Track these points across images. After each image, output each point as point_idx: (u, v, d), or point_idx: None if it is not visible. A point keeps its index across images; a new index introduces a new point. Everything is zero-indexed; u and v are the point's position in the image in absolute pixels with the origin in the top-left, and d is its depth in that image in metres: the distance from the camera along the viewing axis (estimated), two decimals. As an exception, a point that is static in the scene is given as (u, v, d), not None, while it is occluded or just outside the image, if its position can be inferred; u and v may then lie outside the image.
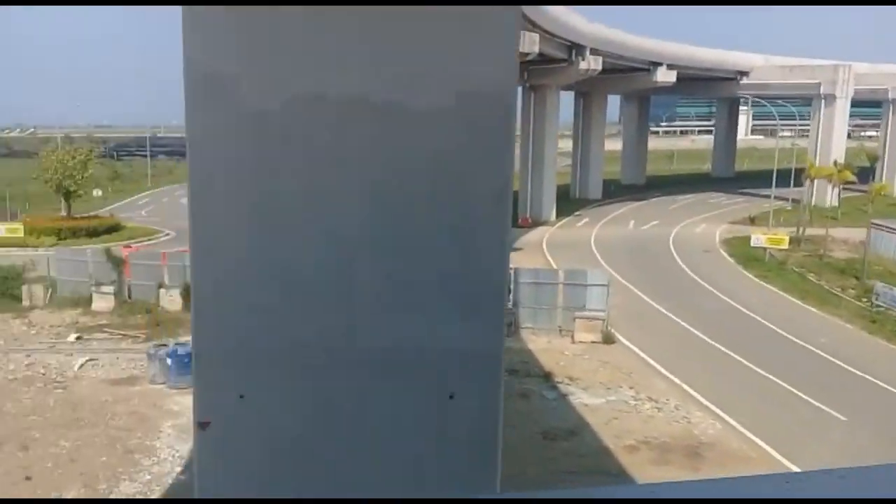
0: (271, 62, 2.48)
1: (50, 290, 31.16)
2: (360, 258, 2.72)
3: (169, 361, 21.25)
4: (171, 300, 29.30)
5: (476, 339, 2.62)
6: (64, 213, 54.53)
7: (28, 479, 15.98)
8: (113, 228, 48.42)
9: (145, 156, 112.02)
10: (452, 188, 2.57)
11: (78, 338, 26.31)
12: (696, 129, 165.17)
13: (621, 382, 21.90)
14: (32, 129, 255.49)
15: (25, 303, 30.82)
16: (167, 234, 49.62)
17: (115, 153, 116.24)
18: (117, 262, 30.30)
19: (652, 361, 23.91)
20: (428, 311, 2.72)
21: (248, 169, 3.22)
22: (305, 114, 2.74)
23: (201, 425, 4.18)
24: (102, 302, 30.01)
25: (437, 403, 2.83)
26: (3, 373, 22.75)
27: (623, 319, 27.14)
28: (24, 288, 31.32)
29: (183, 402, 20.37)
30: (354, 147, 2.59)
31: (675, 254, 41.91)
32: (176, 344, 22.12)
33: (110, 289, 30.11)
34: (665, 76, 59.74)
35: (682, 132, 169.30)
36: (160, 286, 29.75)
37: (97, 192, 58.64)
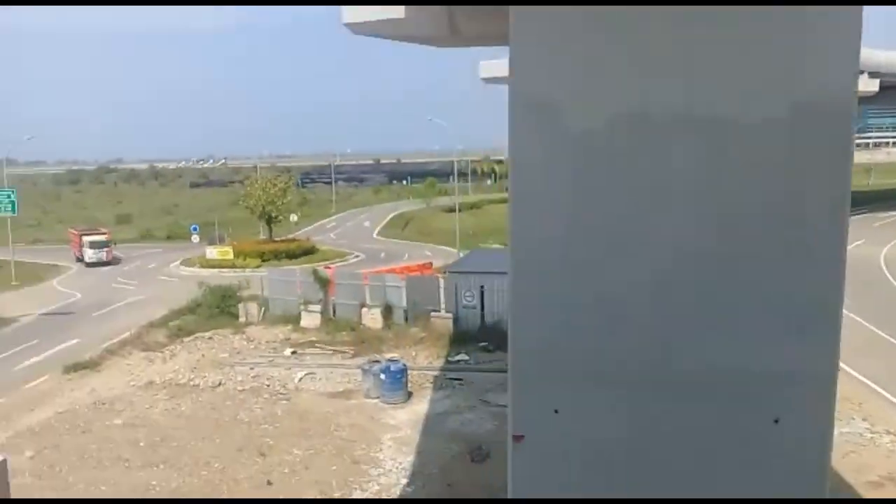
0: (593, 84, 2.40)
1: (263, 308, 33.50)
2: (680, 277, 2.55)
3: (382, 377, 22.10)
4: (373, 318, 30.57)
5: (805, 362, 2.39)
6: (263, 236, 58.75)
7: (269, 483, 17.07)
8: (309, 251, 51.51)
9: (326, 182, 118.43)
10: (785, 204, 2.35)
11: (293, 352, 28.04)
12: (891, 140, 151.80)
13: (853, 414, 20.24)
14: (223, 161, 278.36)
15: (242, 319, 33.31)
16: (357, 256, 52.14)
17: (300, 181, 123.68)
18: (323, 282, 32.05)
19: (883, 392, 21.98)
20: (752, 331, 2.50)
21: (569, 189, 3.16)
22: (628, 133, 2.62)
23: (516, 438, 4.14)
24: (310, 319, 31.85)
25: (759, 428, 2.57)
26: (232, 384, 24.60)
27: (844, 346, 25.15)
28: (241, 306, 33.87)
29: (398, 417, 21.13)
30: (678, 164, 2.43)
31: (888, 275, 38.56)
32: (388, 360, 22.99)
33: (317, 307, 31.90)
34: (867, 85, 55.33)
35: (874, 144, 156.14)
36: (362, 305, 31.13)
37: (293, 218, 62.67)
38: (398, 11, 23.71)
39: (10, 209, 39.48)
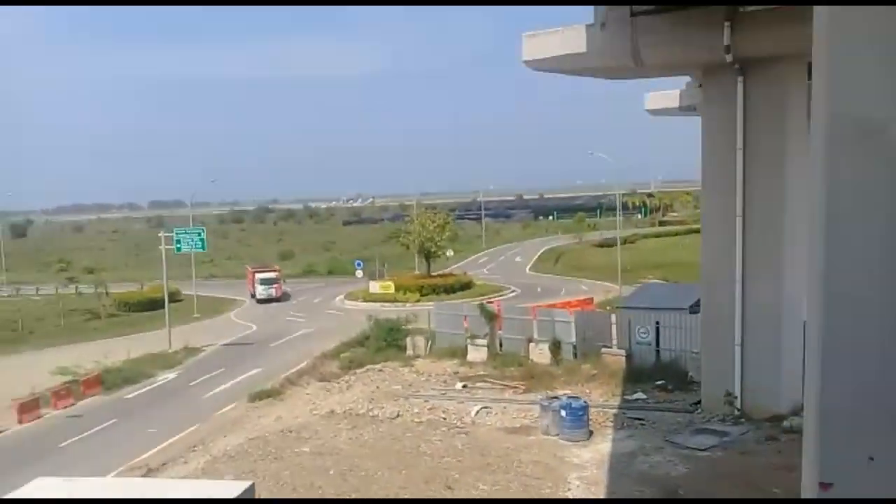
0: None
1: (430, 342, 34.00)
2: None
3: (562, 414, 21.65)
4: (541, 354, 30.22)
5: None
6: (418, 270, 60.08)
7: (461, 517, 16.98)
8: (466, 286, 52.08)
9: (473, 218, 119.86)
10: None
11: (464, 386, 28.15)
12: None
13: None
14: (371, 199, 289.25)
15: (409, 352, 33.93)
16: (513, 291, 52.20)
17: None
18: (490, 317, 32.12)
19: None
20: None
21: (889, 215, 2.62)
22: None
23: (823, 486, 3.57)
24: (477, 353, 31.93)
25: None
26: (409, 415, 24.93)
27: None
28: (408, 339, 34.55)
29: (582, 455, 20.57)
30: None
31: None
32: (568, 397, 22.54)
33: (484, 341, 31.97)
34: None
35: None
36: (529, 340, 30.89)
37: (450, 253, 63.81)
38: (579, 45, 23.53)
39: (199, 246, 42.54)
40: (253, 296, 58.10)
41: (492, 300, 40.58)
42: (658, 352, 28.00)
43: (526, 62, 21.64)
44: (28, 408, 27.94)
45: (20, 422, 27.35)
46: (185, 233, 44.11)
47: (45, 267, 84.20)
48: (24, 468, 22.29)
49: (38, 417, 28.03)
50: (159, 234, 42.96)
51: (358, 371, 31.90)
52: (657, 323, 27.92)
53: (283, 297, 57.61)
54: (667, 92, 35.11)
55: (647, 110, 36.53)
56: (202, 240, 42.91)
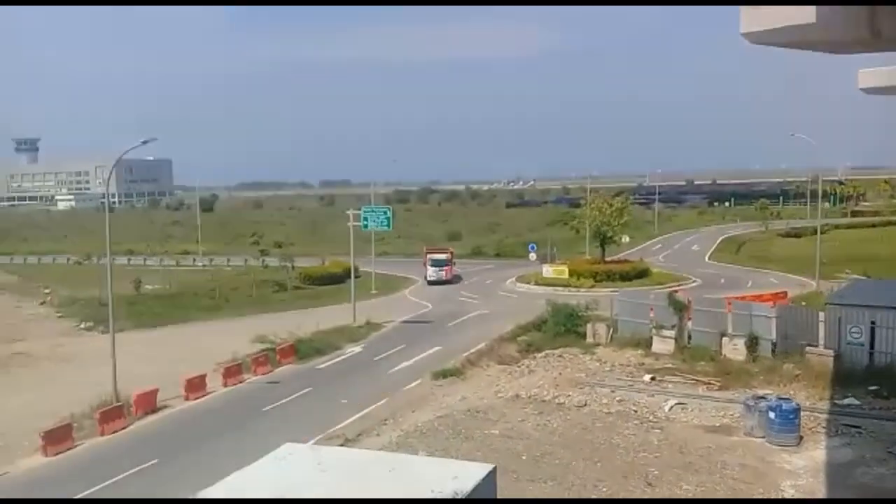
0: None
1: (611, 330, 33.07)
2: None
3: (771, 416, 20.24)
4: (735, 349, 28.51)
5: None
6: (589, 255, 58.81)
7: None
8: (643, 273, 50.33)
9: (641, 203, 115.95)
10: None
11: (652, 378, 27.10)
12: None
13: None
14: (532, 182, 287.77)
15: (589, 340, 33.16)
16: (694, 281, 49.83)
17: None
18: (679, 307, 30.71)
19: None
20: None
21: None
22: None
23: None
24: (662, 345, 30.66)
25: None
26: (597, 405, 24.32)
27: None
28: (588, 326, 33.78)
29: (793, 462, 19.15)
30: None
31: None
32: (778, 398, 21.05)
33: (671, 332, 30.63)
34: None
35: None
36: (723, 334, 29.24)
37: (626, 239, 62.00)
38: (808, 15, 21.66)
39: (385, 224, 43.79)
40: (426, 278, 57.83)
41: (676, 289, 38.83)
42: (872, 354, 25.63)
43: (744, 34, 20.29)
44: (232, 372, 29.94)
45: (224, 385, 29.35)
46: (372, 211, 45.54)
47: (231, 240, 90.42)
48: (236, 430, 23.88)
49: (241, 381, 29.96)
50: (347, 212, 44.58)
51: (537, 355, 31.58)
52: (872, 322, 25.54)
53: (453, 280, 56.92)
54: (884, 69, 31.75)
55: (863, 89, 33.23)
56: (388, 218, 44.12)
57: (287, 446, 8.62)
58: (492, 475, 6.85)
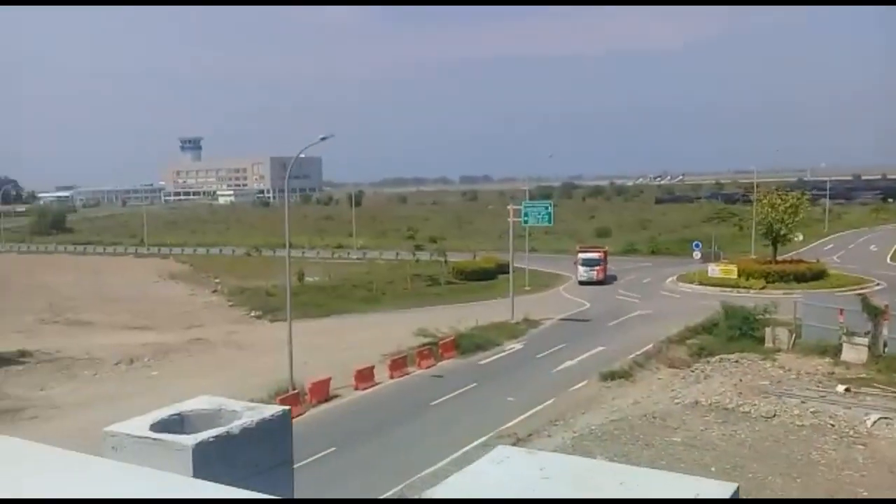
0: None
1: (794, 335, 30.79)
2: None
3: None
4: (942, 361, 25.75)
5: None
6: (753, 254, 55.33)
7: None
8: (819, 275, 46.77)
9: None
10: None
11: (847, 389, 24.90)
12: None
13: None
14: (681, 177, 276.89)
15: (768, 345, 31.08)
16: (878, 284, 45.70)
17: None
18: (874, 313, 28.11)
19: None
20: None
21: None
22: None
23: None
24: (853, 353, 28.21)
25: None
26: (788, 416, 22.59)
27: None
28: (767, 330, 31.64)
29: None
30: None
31: None
32: None
33: (864, 340, 28.13)
34: None
35: None
36: (927, 344, 26.48)
37: (800, 237, 57.99)
38: None
39: (546, 220, 43.05)
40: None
41: (862, 293, 35.65)
42: None
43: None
44: (398, 364, 30.29)
45: (391, 376, 29.72)
46: (533, 206, 44.91)
47: (380, 233, 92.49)
48: (407, 423, 24.03)
49: (406, 374, 30.25)
50: (508, 207, 44.26)
51: (711, 360, 29.92)
52: None
53: (606, 281, 54.16)
54: None
55: None
56: (549, 213, 43.34)
57: (501, 448, 8.14)
58: (735, 496, 6.09)
